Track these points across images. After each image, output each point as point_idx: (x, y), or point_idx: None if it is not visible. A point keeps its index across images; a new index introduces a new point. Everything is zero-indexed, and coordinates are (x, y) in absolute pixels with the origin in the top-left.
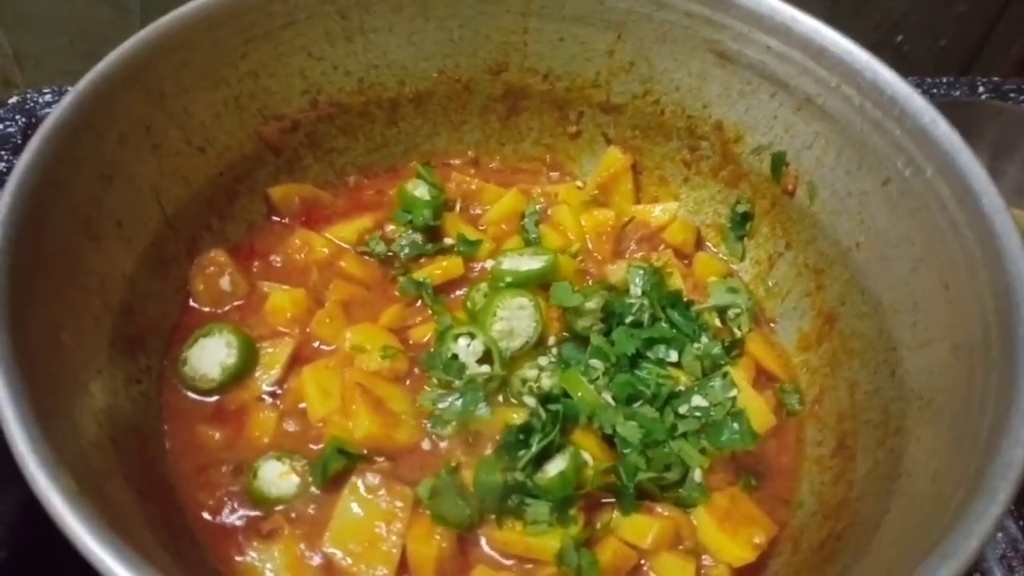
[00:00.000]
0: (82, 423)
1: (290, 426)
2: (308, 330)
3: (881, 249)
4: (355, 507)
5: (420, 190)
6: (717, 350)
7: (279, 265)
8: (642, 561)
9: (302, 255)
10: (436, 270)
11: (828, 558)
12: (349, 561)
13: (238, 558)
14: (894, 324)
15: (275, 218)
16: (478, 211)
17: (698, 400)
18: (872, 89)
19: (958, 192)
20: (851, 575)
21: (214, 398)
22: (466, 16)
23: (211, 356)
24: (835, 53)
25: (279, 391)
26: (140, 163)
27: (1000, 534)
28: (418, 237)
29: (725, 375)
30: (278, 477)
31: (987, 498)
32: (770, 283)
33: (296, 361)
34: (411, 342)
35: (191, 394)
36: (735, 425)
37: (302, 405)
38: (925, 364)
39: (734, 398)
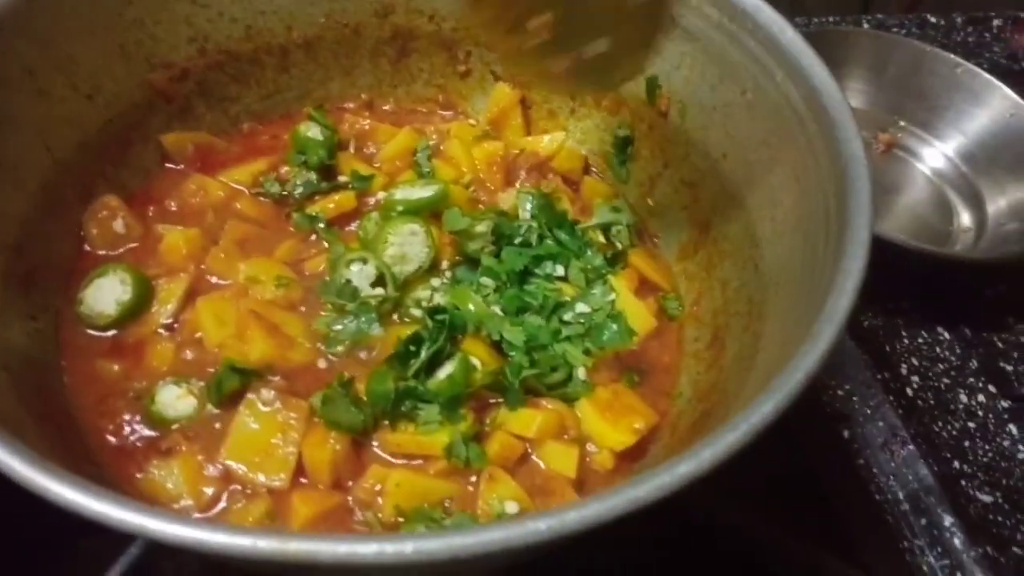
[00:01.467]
0: None
1: (188, 355)
2: (203, 266)
3: (744, 155)
4: (251, 421)
5: (313, 131)
6: (599, 262)
7: (174, 209)
8: (529, 450)
9: (197, 199)
10: (329, 204)
11: (698, 433)
12: (246, 469)
13: (139, 475)
14: (757, 221)
15: (169, 165)
16: (372, 150)
17: (581, 307)
18: (727, 5)
19: (803, 91)
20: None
21: (111, 332)
22: None
23: (106, 295)
24: None
25: (176, 324)
26: (25, 108)
27: (881, 423)
28: (312, 177)
29: (605, 282)
30: (175, 399)
31: (811, 343)
32: (650, 202)
33: (192, 295)
34: (307, 273)
35: (90, 331)
36: (613, 326)
37: (199, 335)
38: (781, 254)
39: (612, 302)
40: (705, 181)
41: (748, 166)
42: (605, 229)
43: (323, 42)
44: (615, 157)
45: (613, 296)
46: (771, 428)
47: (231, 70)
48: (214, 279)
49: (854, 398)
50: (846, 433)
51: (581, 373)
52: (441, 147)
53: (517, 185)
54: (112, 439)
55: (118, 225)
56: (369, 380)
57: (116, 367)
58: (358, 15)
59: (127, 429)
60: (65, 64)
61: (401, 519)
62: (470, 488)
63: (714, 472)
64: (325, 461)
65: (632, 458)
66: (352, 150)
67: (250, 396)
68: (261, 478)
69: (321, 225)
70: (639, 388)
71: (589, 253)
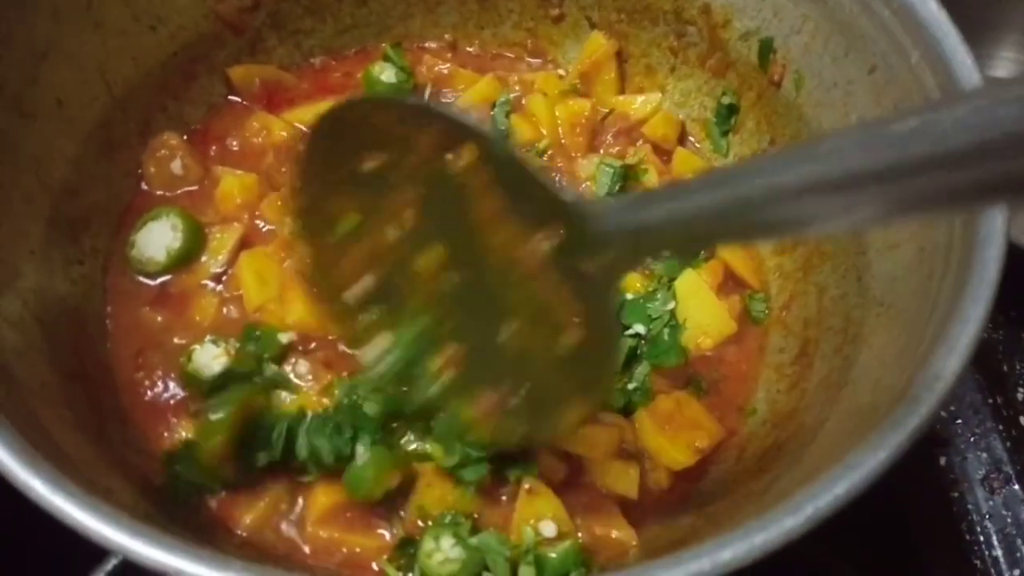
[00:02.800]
0: (1, 303)
1: (231, 312)
2: (257, 213)
3: None
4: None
5: (387, 74)
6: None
7: (235, 148)
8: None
9: (259, 138)
10: None
11: (765, 467)
12: None
13: (166, 434)
14: None
15: (235, 99)
16: (449, 98)
17: (638, 327)
18: None
19: (941, 80)
20: (779, 483)
21: (159, 280)
22: None
23: (157, 239)
24: None
25: (224, 277)
26: (81, 40)
27: (984, 454)
28: None
29: (669, 287)
30: (212, 360)
31: (908, 408)
32: None
33: (245, 246)
34: None
35: (139, 277)
36: (667, 340)
37: (240, 292)
38: (890, 268)
39: (672, 311)
40: None
41: None
42: None
43: None
44: (716, 126)
45: (673, 305)
46: None
47: (305, 1)
48: (266, 227)
49: (957, 421)
50: (942, 460)
51: (641, 375)
52: (523, 101)
53: (601, 152)
54: (147, 394)
55: (176, 166)
56: None
57: (159, 318)
58: None
59: (160, 386)
60: None
61: (422, 523)
62: (504, 498)
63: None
64: None
65: (691, 479)
66: (428, 96)
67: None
68: None
69: None
70: (708, 398)
71: None
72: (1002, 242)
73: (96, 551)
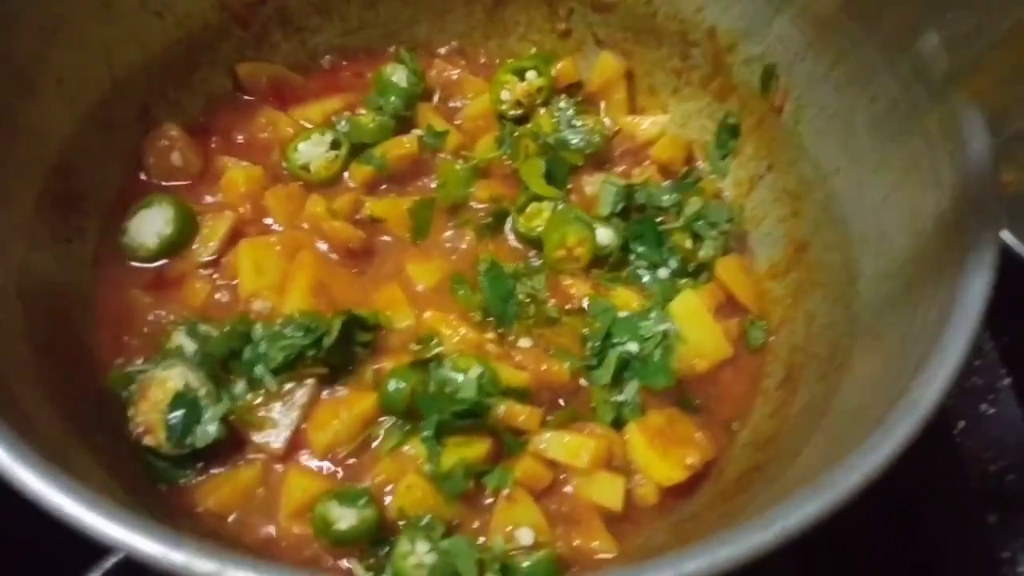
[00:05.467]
0: None
1: (223, 297)
2: (261, 203)
3: (859, 174)
4: None
5: (398, 75)
6: (674, 271)
7: (240, 142)
8: (563, 477)
9: (266, 133)
10: (394, 149)
11: (743, 489)
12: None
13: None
14: (859, 255)
15: (243, 95)
16: (457, 104)
17: (632, 346)
18: None
19: (942, 115)
20: (754, 504)
21: (151, 265)
22: None
23: (149, 227)
24: None
25: (218, 264)
26: (88, 20)
27: None
28: (387, 123)
29: (663, 306)
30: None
31: (884, 435)
32: (749, 207)
33: (236, 236)
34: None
35: (132, 262)
36: (657, 361)
37: (236, 281)
38: (879, 298)
39: (665, 332)
40: (811, 195)
41: (861, 188)
42: (694, 234)
43: None
44: (716, 148)
45: (666, 326)
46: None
47: None
48: (268, 220)
49: (1009, 477)
50: (991, 517)
51: (632, 390)
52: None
53: (607, 169)
54: None
55: (175, 157)
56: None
57: (148, 300)
58: None
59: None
60: None
61: (401, 522)
62: (488, 502)
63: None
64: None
65: (679, 495)
66: (436, 101)
67: None
68: (257, 439)
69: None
70: (700, 416)
71: (672, 262)
72: (989, 277)
73: (94, 550)
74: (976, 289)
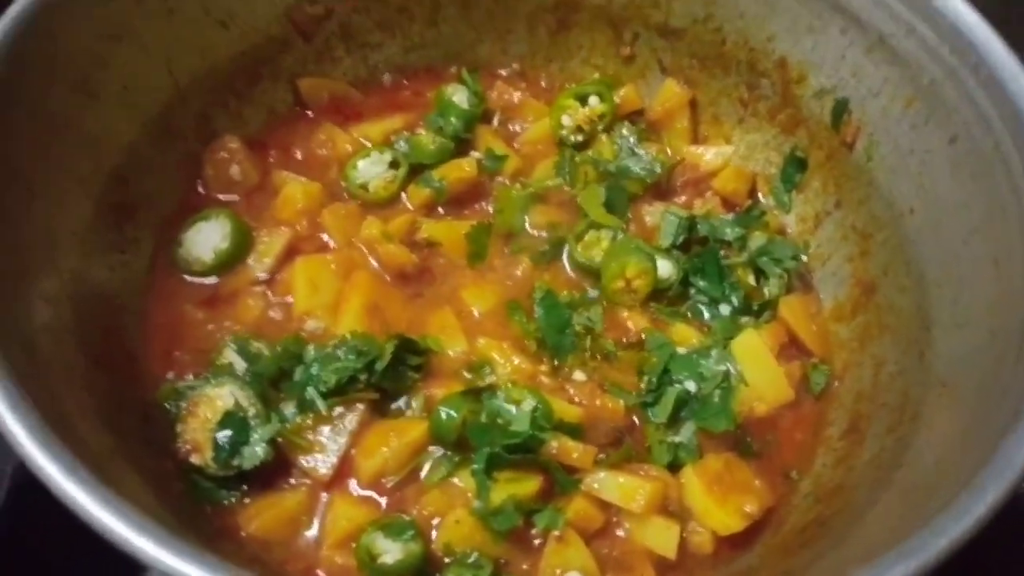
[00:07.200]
0: (39, 277)
1: (276, 314)
2: (318, 220)
3: (936, 215)
4: None
5: (459, 96)
6: (735, 309)
7: (299, 158)
8: (615, 519)
9: (325, 150)
10: (453, 171)
11: (806, 543)
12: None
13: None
14: (935, 300)
15: (303, 110)
16: (516, 127)
17: (690, 384)
18: (951, 32)
19: None
20: (823, 562)
21: (207, 280)
22: None
23: (205, 240)
24: None
25: (272, 280)
26: (153, 28)
27: None
28: (446, 144)
29: (725, 346)
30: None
31: (974, 496)
32: (813, 245)
33: (292, 252)
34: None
35: (186, 276)
36: (717, 403)
37: (290, 298)
38: (957, 348)
39: (726, 372)
40: (882, 234)
41: (937, 230)
42: (758, 270)
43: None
44: (781, 182)
45: (729, 366)
46: None
47: (377, 16)
48: (325, 237)
49: None
50: None
51: (689, 431)
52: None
53: (669, 200)
54: None
55: (234, 171)
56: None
57: (200, 314)
58: None
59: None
60: None
61: (447, 558)
62: (536, 543)
63: None
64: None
65: (736, 545)
66: (496, 123)
67: None
68: (304, 463)
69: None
70: (758, 462)
71: (735, 299)
72: None
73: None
74: None
